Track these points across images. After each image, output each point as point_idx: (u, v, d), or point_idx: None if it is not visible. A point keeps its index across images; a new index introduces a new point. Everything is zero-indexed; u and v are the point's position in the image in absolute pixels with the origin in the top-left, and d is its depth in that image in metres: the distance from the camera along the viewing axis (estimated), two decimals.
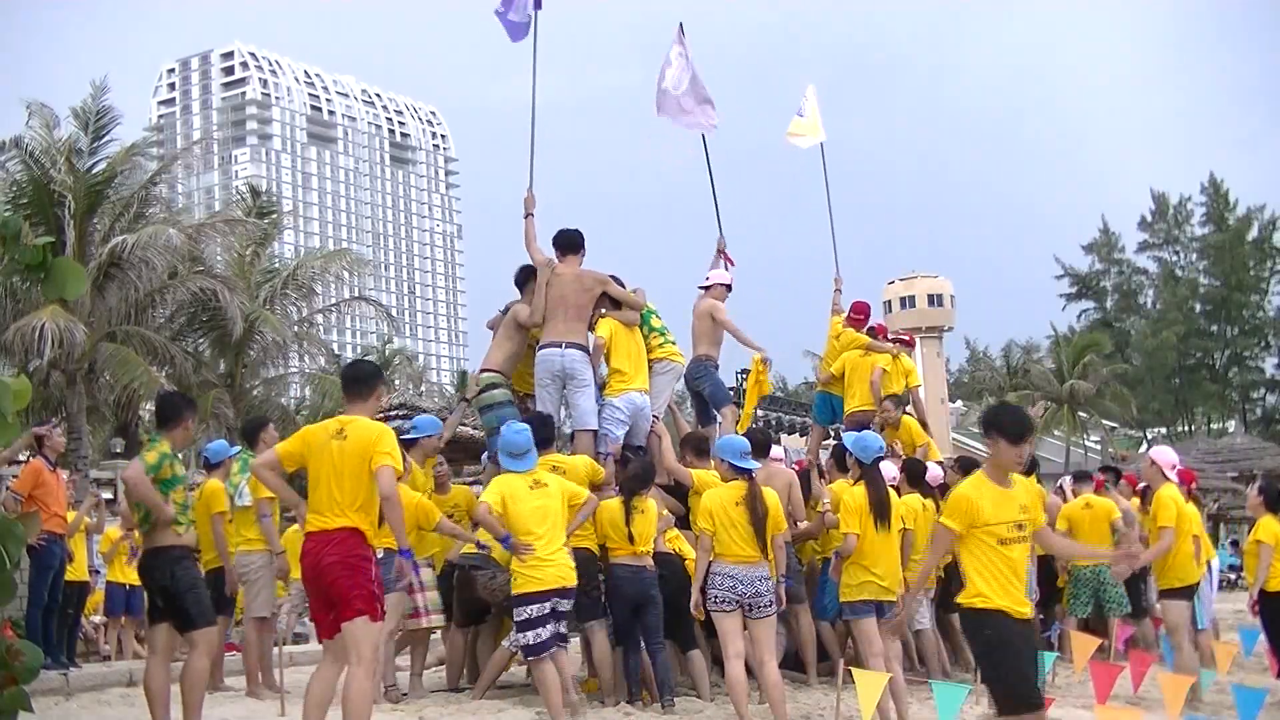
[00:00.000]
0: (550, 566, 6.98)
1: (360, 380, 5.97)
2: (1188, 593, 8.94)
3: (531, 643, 6.97)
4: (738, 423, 10.24)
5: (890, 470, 9.47)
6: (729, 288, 10.41)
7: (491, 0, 10.01)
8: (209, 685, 8.79)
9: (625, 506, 7.71)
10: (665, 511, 8.14)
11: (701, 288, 10.41)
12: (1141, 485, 10.92)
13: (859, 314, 11.66)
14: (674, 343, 9.38)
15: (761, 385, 10.88)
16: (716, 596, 7.08)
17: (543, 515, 7.01)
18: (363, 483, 5.65)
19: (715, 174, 11.57)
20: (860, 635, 7.52)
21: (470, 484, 14.69)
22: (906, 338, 12.48)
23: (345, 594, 5.56)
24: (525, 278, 9.04)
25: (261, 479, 6.19)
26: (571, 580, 7.06)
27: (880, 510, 7.47)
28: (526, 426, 7.55)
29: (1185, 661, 8.69)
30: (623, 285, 9.15)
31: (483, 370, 8.95)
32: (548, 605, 6.99)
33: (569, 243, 9.01)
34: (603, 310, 8.95)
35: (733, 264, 10.94)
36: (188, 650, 6.63)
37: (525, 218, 9.13)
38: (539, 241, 9.06)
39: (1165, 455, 9.09)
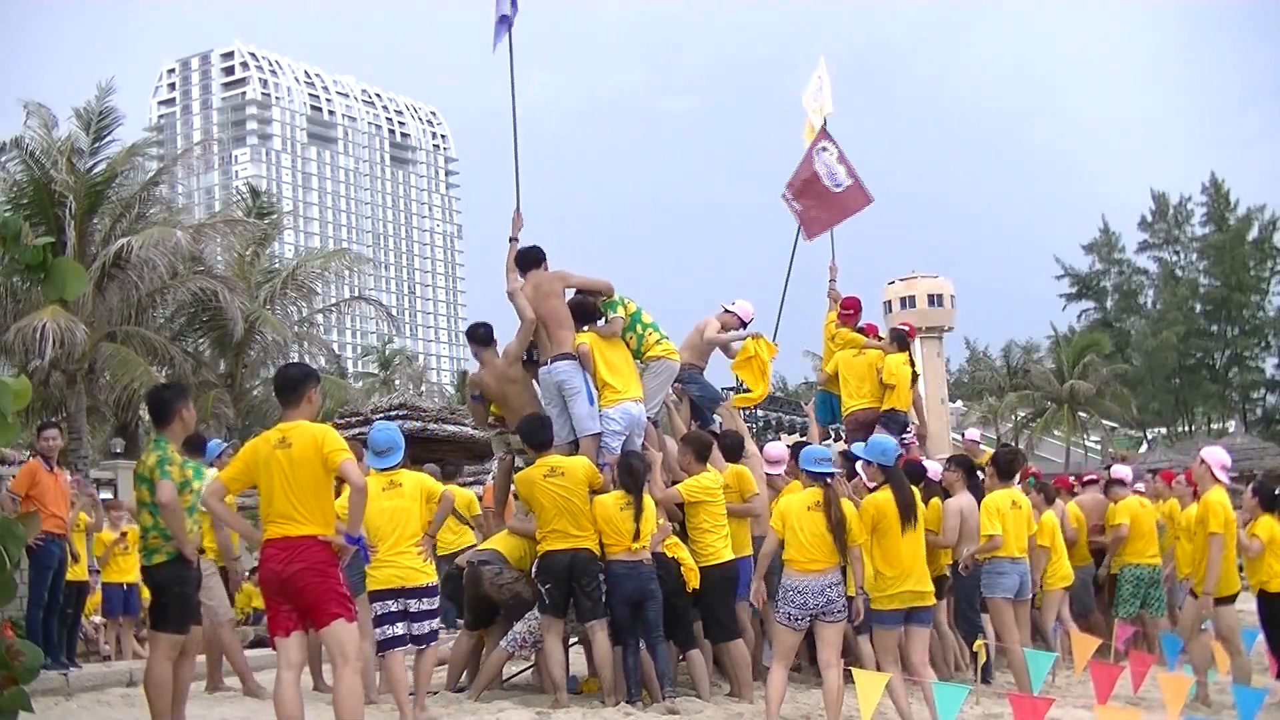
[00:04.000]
0: (389, 567, 7.09)
1: (289, 386, 5.99)
2: (1233, 600, 8.77)
3: (377, 639, 7.16)
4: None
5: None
6: (743, 324, 10.14)
7: (491, 2, 9.96)
8: (209, 686, 8.83)
9: (635, 503, 7.73)
10: (664, 520, 8.13)
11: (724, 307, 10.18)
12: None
13: (848, 309, 11.67)
14: (668, 338, 9.17)
15: (760, 352, 10.27)
16: (790, 614, 7.03)
17: (389, 517, 7.13)
18: (317, 487, 5.73)
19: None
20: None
21: (470, 484, 14.76)
22: (907, 329, 12.48)
23: (319, 600, 5.65)
24: (528, 261, 8.83)
25: (211, 510, 6.13)
26: (412, 581, 7.09)
27: (906, 511, 7.33)
28: (392, 425, 7.70)
29: (1242, 665, 8.65)
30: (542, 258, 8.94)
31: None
32: (395, 605, 7.10)
33: (527, 258, 8.81)
34: (585, 327, 8.78)
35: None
36: (187, 651, 6.65)
37: (510, 241, 8.93)
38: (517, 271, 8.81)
39: (1216, 455, 8.80)
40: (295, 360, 30.65)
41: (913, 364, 11.12)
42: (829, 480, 7.16)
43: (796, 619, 7.01)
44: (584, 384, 8.46)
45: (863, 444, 8.10)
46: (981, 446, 12.88)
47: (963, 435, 12.30)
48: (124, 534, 11.57)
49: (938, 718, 6.77)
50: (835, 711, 6.98)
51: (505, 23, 9.52)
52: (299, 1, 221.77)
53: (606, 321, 8.88)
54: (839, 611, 7.02)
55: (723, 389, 10.69)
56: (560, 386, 8.42)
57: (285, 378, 6.12)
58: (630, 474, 7.83)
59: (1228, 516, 8.43)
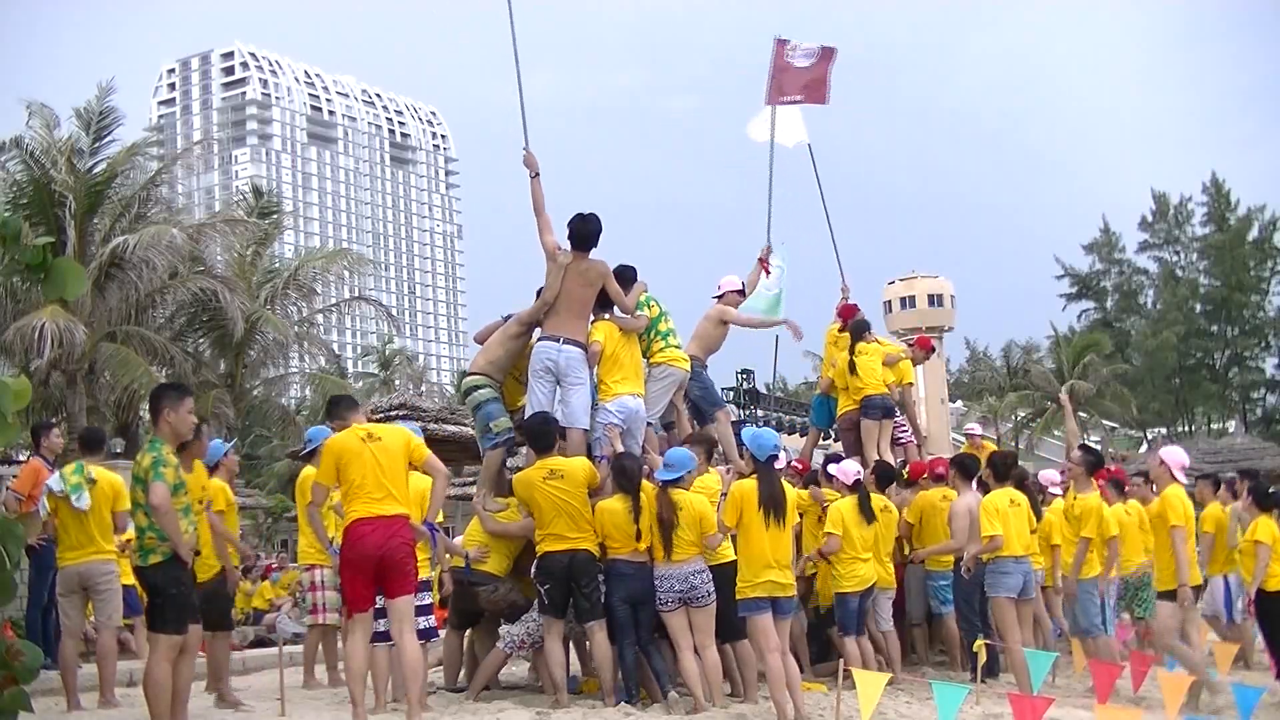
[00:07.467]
0: None
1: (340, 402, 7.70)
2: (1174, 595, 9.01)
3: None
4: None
5: (855, 467, 9.55)
6: (742, 293, 10.48)
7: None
8: (209, 686, 8.83)
9: (634, 504, 7.71)
10: None
11: (714, 297, 10.36)
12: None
13: (847, 317, 11.72)
14: (678, 347, 9.09)
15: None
16: (661, 599, 7.64)
17: None
18: (405, 476, 6.78)
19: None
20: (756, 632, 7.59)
21: (471, 483, 14.76)
22: (930, 343, 12.56)
23: (405, 574, 6.66)
24: (583, 235, 8.48)
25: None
26: None
27: (769, 506, 7.43)
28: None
29: (1188, 661, 8.76)
30: (635, 277, 8.92)
31: (468, 374, 8.90)
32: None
33: (584, 238, 8.46)
34: (605, 315, 8.69)
35: (768, 273, 11.04)
36: (186, 650, 6.65)
37: (532, 178, 8.58)
38: (548, 212, 8.54)
39: (1176, 456, 9.26)
40: (296, 359, 30.78)
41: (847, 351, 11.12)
42: (665, 485, 7.68)
43: (666, 603, 7.63)
44: (589, 379, 8.43)
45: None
46: (981, 440, 12.88)
47: (966, 434, 12.33)
48: (128, 541, 11.54)
49: (780, 703, 7.16)
50: (714, 689, 7.61)
51: None
52: (299, 1, 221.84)
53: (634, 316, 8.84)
54: (704, 597, 7.61)
55: (721, 389, 10.74)
56: (565, 371, 8.25)
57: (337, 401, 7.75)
58: (625, 475, 7.81)
59: (1186, 511, 8.96)
